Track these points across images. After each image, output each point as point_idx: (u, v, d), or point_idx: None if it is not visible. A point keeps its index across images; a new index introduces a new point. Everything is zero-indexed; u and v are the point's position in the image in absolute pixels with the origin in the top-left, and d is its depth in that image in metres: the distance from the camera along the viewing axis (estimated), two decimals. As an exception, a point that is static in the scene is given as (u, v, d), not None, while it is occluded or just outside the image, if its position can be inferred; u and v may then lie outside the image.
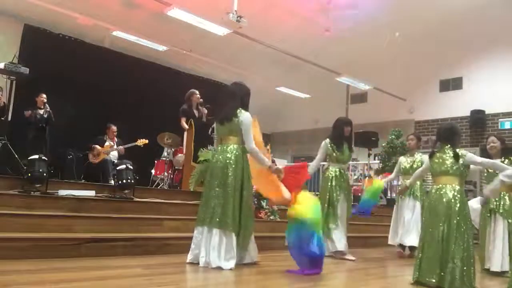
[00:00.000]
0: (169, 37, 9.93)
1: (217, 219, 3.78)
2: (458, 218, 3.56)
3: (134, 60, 10.08)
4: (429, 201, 3.80)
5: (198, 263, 3.77)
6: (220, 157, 3.95)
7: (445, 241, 3.54)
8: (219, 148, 4.05)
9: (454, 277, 3.43)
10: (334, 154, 5.18)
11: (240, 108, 3.99)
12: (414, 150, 6.03)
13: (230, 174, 3.86)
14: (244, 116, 3.95)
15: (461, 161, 3.68)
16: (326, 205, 5.04)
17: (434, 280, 3.50)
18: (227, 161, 3.89)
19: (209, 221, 3.81)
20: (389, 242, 5.99)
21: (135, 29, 9.56)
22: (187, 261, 3.83)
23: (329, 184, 5.15)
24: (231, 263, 3.70)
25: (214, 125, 4.18)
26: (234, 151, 3.94)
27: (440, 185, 3.71)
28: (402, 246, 5.79)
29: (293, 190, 3.97)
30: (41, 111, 6.82)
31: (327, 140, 5.22)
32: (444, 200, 3.62)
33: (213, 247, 3.74)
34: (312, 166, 5.18)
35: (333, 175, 5.18)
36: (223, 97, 4.19)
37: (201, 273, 3.61)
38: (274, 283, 3.58)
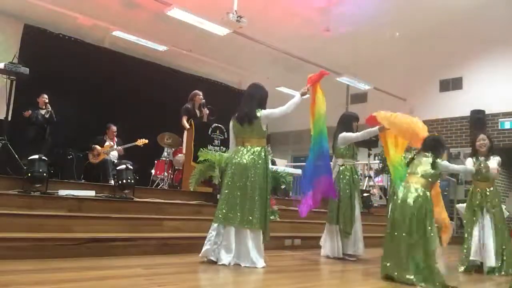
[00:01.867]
0: (169, 37, 9.93)
1: (249, 220, 3.89)
2: (418, 216, 3.66)
3: (134, 60, 10.08)
4: (396, 198, 3.91)
5: (211, 260, 3.84)
6: (243, 158, 4.04)
7: (405, 237, 3.64)
8: (241, 149, 4.12)
9: (415, 272, 3.51)
10: (350, 150, 5.19)
11: (259, 109, 4.12)
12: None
13: (254, 175, 3.99)
14: (262, 112, 4.10)
15: (436, 169, 3.84)
16: (344, 203, 5.00)
17: (396, 274, 3.60)
18: (251, 162, 4.01)
19: (238, 222, 3.89)
20: None
21: (135, 29, 9.56)
22: (200, 255, 3.88)
23: (345, 181, 5.09)
24: (263, 261, 3.86)
25: (231, 126, 4.25)
26: (257, 153, 4.06)
27: (408, 184, 3.85)
28: None
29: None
30: (43, 111, 6.83)
31: None
32: (407, 199, 3.74)
33: (245, 247, 3.86)
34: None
35: (350, 171, 5.14)
36: (242, 99, 4.31)
37: (201, 273, 3.61)
38: (274, 283, 3.58)
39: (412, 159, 3.99)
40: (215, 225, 3.95)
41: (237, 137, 4.22)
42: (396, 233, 3.72)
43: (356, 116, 5.35)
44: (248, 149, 4.09)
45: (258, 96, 4.24)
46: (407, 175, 3.98)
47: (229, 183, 4.07)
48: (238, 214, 3.91)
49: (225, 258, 3.84)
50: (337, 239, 5.00)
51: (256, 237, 3.92)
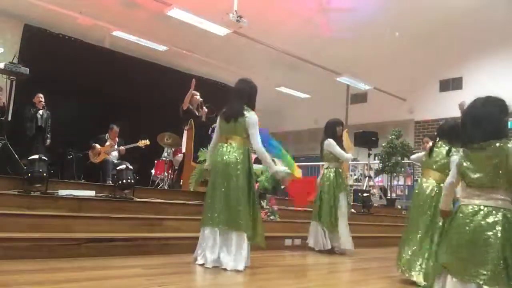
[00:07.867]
0: (169, 37, 9.93)
1: (230, 220, 3.73)
2: (434, 212, 3.63)
3: (134, 60, 10.09)
4: (414, 193, 3.90)
5: (203, 264, 3.74)
6: (226, 156, 3.88)
7: (422, 234, 3.64)
8: (224, 147, 3.96)
9: (427, 272, 3.47)
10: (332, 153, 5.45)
11: (247, 107, 3.95)
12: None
13: (236, 173, 3.81)
14: (250, 115, 3.91)
15: (451, 157, 3.64)
16: (328, 204, 5.32)
17: (413, 274, 3.60)
18: (233, 160, 3.84)
19: (219, 222, 3.75)
20: None
21: (135, 29, 9.56)
22: (196, 262, 3.79)
23: (329, 183, 5.39)
24: (243, 264, 3.69)
25: (217, 123, 4.08)
26: (240, 150, 3.89)
27: (425, 179, 3.82)
28: None
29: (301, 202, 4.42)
30: (41, 111, 6.85)
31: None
32: (426, 193, 3.73)
33: (227, 249, 3.72)
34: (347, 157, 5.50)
35: (333, 174, 5.42)
36: (230, 95, 4.13)
37: (201, 274, 3.61)
38: (274, 283, 3.58)
39: (431, 149, 3.82)
40: (202, 228, 3.85)
41: (221, 134, 4.05)
42: (414, 231, 3.69)
43: (339, 121, 5.66)
44: (230, 147, 3.91)
45: (246, 91, 4.05)
46: (422, 167, 3.95)
47: (211, 183, 3.94)
48: (222, 215, 3.75)
49: (209, 260, 3.73)
50: (321, 234, 5.31)
51: (240, 239, 3.72)
